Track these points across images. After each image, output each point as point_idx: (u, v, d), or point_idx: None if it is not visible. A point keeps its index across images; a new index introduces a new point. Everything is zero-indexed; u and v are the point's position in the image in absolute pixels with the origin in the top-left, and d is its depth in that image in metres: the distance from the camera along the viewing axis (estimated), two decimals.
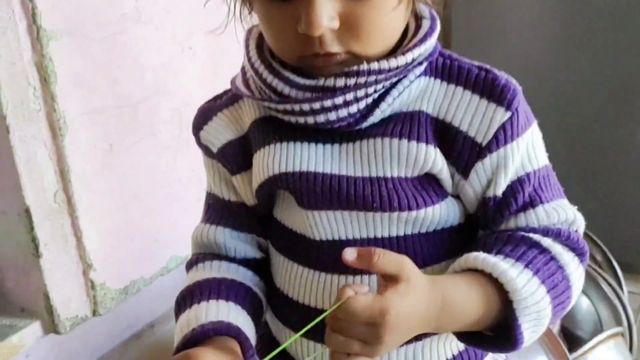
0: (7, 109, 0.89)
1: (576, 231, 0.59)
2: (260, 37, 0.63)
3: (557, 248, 0.56)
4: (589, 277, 1.18)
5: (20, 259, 0.98)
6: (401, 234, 0.59)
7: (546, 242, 0.56)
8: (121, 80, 1.04)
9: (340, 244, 0.59)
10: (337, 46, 0.54)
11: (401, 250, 0.58)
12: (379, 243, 0.59)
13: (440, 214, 0.59)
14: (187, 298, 0.63)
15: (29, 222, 0.94)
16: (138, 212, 1.11)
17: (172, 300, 1.37)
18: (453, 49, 0.63)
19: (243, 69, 0.66)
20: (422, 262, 0.59)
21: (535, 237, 0.56)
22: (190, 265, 0.69)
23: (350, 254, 0.47)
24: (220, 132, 0.67)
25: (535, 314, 0.52)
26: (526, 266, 0.53)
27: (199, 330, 0.56)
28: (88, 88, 0.98)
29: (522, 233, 0.56)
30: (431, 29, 0.58)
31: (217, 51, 1.22)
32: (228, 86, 1.28)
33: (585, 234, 1.36)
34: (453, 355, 0.63)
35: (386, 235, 0.59)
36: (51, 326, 1.00)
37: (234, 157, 0.66)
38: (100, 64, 1.00)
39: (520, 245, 0.55)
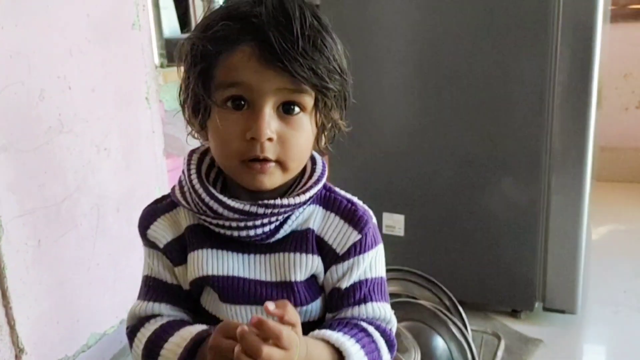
0: None
1: (390, 329, 0.82)
2: (199, 161, 0.81)
3: (376, 335, 0.79)
4: (442, 321, 1.48)
5: None
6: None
7: (370, 329, 0.78)
8: (47, 184, 1.19)
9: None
10: (271, 154, 0.72)
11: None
12: None
13: (320, 306, 0.81)
14: (159, 338, 0.78)
15: None
16: (62, 298, 1.25)
17: None
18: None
19: (180, 182, 0.80)
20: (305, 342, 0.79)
21: (364, 324, 0.78)
22: (135, 329, 0.82)
23: (270, 306, 0.65)
24: (165, 231, 0.81)
25: None
26: (357, 341, 0.75)
27: (196, 338, 0.73)
28: (20, 194, 1.13)
29: (356, 321, 0.78)
30: (322, 174, 0.80)
31: (128, 149, 1.41)
32: (138, 178, 1.47)
33: (435, 284, 1.68)
34: None
35: None
36: None
37: (176, 254, 0.81)
38: (31, 171, 1.15)
39: (353, 328, 0.77)
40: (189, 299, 0.84)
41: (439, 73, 1.78)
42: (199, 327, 0.78)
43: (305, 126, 0.73)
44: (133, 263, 1.44)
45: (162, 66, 1.59)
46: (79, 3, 1.25)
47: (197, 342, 0.74)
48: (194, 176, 0.78)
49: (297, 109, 0.72)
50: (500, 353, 1.40)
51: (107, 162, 1.35)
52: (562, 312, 1.88)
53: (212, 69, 0.71)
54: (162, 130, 1.53)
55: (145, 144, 1.46)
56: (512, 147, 1.78)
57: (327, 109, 0.75)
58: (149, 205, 0.85)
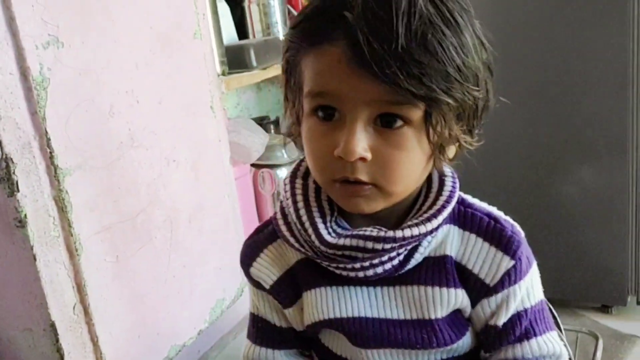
0: (34, 240, 1.02)
1: None
2: (306, 173, 0.68)
3: None
4: None
5: None
6: (439, 359, 0.68)
7: None
8: (121, 199, 1.19)
9: None
10: (365, 175, 0.58)
11: None
12: None
13: (466, 341, 0.68)
14: None
15: (55, 335, 1.07)
16: (142, 312, 1.24)
17: None
18: None
19: (283, 210, 0.68)
20: None
21: None
22: None
23: None
24: (269, 269, 0.71)
25: None
26: None
27: None
28: (97, 210, 1.13)
29: None
30: (453, 189, 0.66)
31: (196, 160, 1.40)
32: (207, 188, 1.46)
33: None
34: None
35: None
36: None
37: (285, 294, 0.70)
38: (105, 188, 1.15)
39: None
40: (304, 338, 0.75)
41: (510, 57, 1.70)
42: None
43: (410, 143, 0.58)
44: (207, 274, 1.44)
45: (223, 73, 1.58)
46: (143, 16, 1.25)
47: None
48: (299, 198, 0.66)
49: (399, 122, 0.57)
50: (599, 353, 1.30)
51: (177, 173, 1.34)
52: None
53: (302, 71, 0.59)
54: (227, 138, 1.52)
55: (212, 153, 1.45)
56: (594, 129, 1.67)
57: (443, 123, 0.58)
58: (250, 238, 0.75)
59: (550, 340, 0.67)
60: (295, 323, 0.72)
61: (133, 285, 1.22)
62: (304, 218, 0.64)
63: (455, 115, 0.58)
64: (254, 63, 1.71)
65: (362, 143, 0.56)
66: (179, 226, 1.35)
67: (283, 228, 0.67)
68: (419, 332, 0.65)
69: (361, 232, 0.62)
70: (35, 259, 1.03)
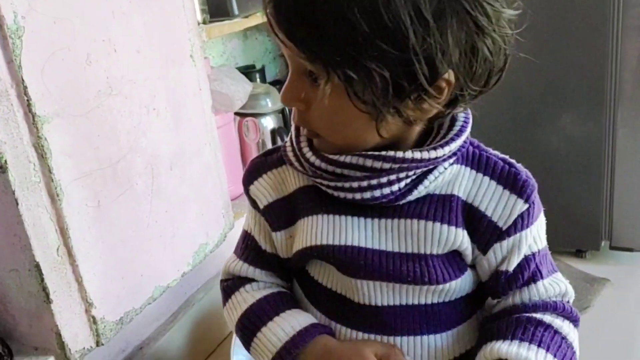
0: (15, 185, 1.07)
1: (568, 302, 0.69)
2: None
3: (557, 322, 0.66)
4: None
5: (32, 306, 1.16)
6: (429, 302, 0.68)
7: (547, 318, 0.66)
8: (101, 146, 1.23)
9: (376, 309, 0.67)
10: (304, 123, 0.63)
11: (429, 316, 0.68)
12: (410, 310, 0.68)
13: (461, 285, 0.68)
14: (258, 316, 0.71)
15: (40, 275, 1.12)
16: (125, 254, 1.30)
17: (156, 324, 1.60)
18: None
19: (292, 138, 0.70)
20: (445, 327, 0.68)
21: (538, 316, 0.65)
22: (232, 288, 0.77)
23: None
24: (268, 190, 0.73)
25: None
26: (539, 345, 0.63)
27: (299, 339, 0.67)
28: (76, 157, 1.17)
29: (527, 315, 0.65)
30: (464, 125, 0.66)
31: (176, 108, 1.43)
32: (188, 136, 1.49)
33: None
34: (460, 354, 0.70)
35: (416, 302, 0.67)
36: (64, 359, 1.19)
37: (277, 216, 0.72)
38: (84, 135, 1.19)
39: (528, 327, 0.64)
40: (286, 268, 0.76)
41: None
42: (302, 319, 0.70)
43: (333, 101, 0.58)
44: (189, 220, 1.49)
45: (204, 22, 1.59)
46: None
47: (299, 341, 0.67)
48: (302, 139, 0.69)
49: (319, 79, 0.59)
50: None
51: (157, 122, 1.37)
52: (630, 250, 1.81)
53: None
54: (209, 87, 1.54)
55: (193, 101, 1.48)
56: (572, 77, 1.69)
57: (359, 90, 0.56)
58: (257, 158, 0.77)
59: (556, 282, 0.69)
60: (282, 249, 0.73)
61: (115, 229, 1.27)
62: (303, 144, 0.67)
63: (372, 82, 0.55)
64: (236, 11, 1.72)
65: (291, 93, 0.60)
66: (160, 173, 1.39)
67: (290, 154, 0.69)
68: (411, 266, 0.64)
69: (362, 152, 0.63)
70: (17, 203, 1.07)
